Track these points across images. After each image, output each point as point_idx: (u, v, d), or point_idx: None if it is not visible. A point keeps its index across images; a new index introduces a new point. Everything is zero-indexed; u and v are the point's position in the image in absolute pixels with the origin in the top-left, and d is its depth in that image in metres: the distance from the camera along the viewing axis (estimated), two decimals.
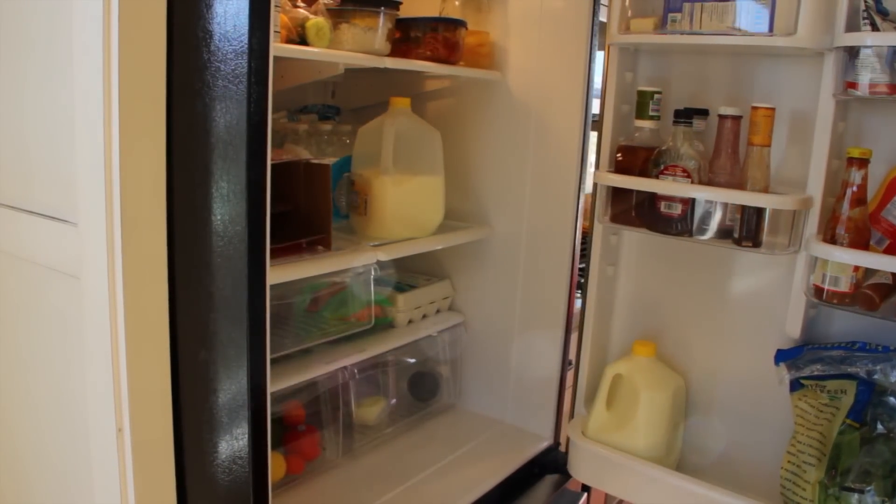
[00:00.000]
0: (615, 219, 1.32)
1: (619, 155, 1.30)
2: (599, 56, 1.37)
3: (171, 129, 0.79)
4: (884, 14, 1.07)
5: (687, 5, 1.22)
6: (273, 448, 1.22)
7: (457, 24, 1.35)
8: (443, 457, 1.42)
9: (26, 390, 1.02)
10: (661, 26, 1.25)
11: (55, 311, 0.92)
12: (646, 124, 1.26)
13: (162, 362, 0.83)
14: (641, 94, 1.26)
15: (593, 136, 1.38)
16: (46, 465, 1.00)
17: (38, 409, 1.00)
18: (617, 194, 1.30)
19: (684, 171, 1.19)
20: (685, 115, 1.22)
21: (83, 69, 0.76)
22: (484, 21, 1.46)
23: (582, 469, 1.38)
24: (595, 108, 1.37)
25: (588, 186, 1.39)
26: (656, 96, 1.25)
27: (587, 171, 1.41)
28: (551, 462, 1.48)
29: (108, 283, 0.77)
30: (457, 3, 1.44)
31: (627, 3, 1.27)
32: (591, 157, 1.39)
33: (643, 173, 1.25)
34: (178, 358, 0.84)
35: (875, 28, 1.04)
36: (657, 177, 1.22)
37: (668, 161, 1.21)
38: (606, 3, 1.29)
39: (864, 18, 1.05)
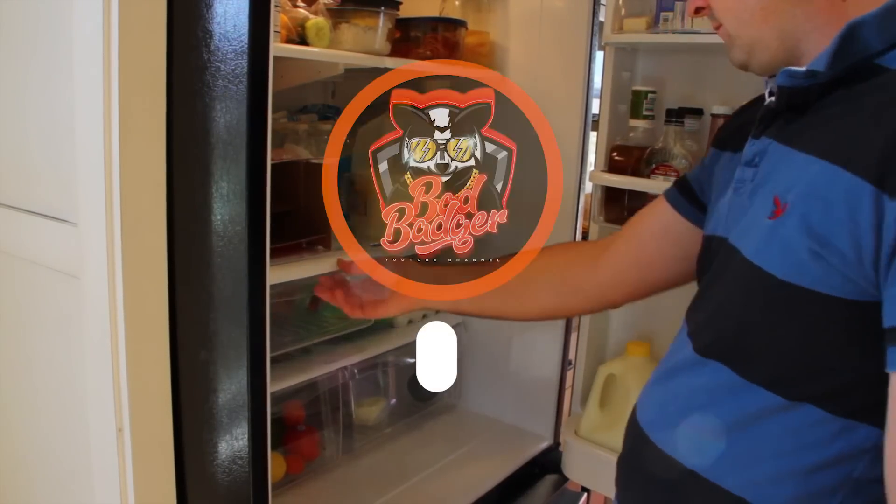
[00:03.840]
0: (610, 219, 1.32)
1: (614, 154, 1.30)
2: (599, 56, 1.37)
3: (171, 129, 0.79)
4: None
5: (679, 4, 1.22)
6: (273, 448, 1.22)
7: (457, 23, 1.35)
8: (443, 457, 1.42)
9: (26, 390, 1.02)
10: (654, 25, 1.25)
11: (55, 311, 0.92)
12: (640, 124, 1.27)
13: (162, 362, 0.83)
14: (636, 93, 1.26)
15: (594, 136, 1.38)
16: (46, 465, 1.00)
17: (38, 408, 1.00)
18: (612, 194, 1.31)
19: (675, 170, 1.20)
20: (677, 115, 1.22)
21: (83, 69, 0.76)
22: (484, 21, 1.46)
23: (575, 468, 1.38)
24: (595, 108, 1.38)
25: (588, 187, 1.39)
26: (650, 96, 1.25)
27: (587, 172, 1.41)
28: (551, 462, 1.48)
29: (108, 283, 0.77)
30: (457, 2, 1.44)
31: (621, 2, 1.27)
32: (592, 157, 1.39)
33: (636, 173, 1.25)
34: (178, 358, 0.84)
35: None
36: (649, 176, 1.22)
37: (659, 160, 1.22)
38: (606, 3, 1.29)
39: None
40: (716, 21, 0.72)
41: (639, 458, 0.76)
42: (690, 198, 0.88)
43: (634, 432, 0.78)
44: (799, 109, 0.65)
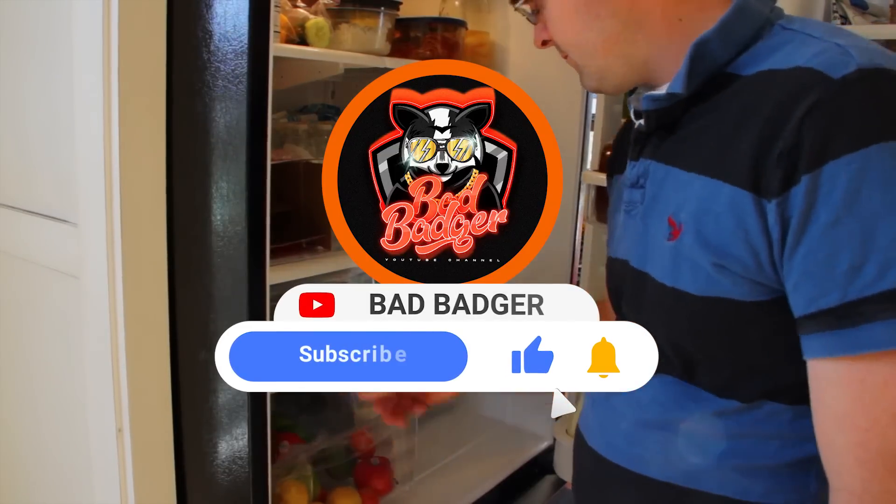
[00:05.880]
0: (602, 219, 1.32)
1: (607, 153, 1.30)
2: None
3: (171, 129, 0.79)
4: (861, 7, 1.07)
5: None
6: (345, 483, 1.22)
7: (456, 24, 1.35)
8: (443, 457, 1.42)
9: (26, 390, 1.02)
10: None
11: (55, 311, 0.92)
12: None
13: (162, 362, 0.83)
14: (628, 93, 1.27)
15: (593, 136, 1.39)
16: (46, 465, 1.00)
17: (38, 408, 1.00)
18: (605, 194, 1.31)
19: None
20: None
21: (83, 69, 0.76)
22: (484, 21, 1.46)
23: (567, 468, 1.38)
24: (595, 108, 1.38)
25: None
26: None
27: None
28: (551, 462, 1.48)
29: (108, 283, 0.77)
30: (457, 3, 1.44)
31: None
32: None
33: None
34: (178, 358, 0.84)
35: (846, 21, 1.05)
36: None
37: None
38: None
39: (833, 12, 1.06)
40: (563, 52, 0.74)
41: (604, 483, 0.75)
42: None
43: (592, 458, 0.76)
44: (669, 128, 0.67)
